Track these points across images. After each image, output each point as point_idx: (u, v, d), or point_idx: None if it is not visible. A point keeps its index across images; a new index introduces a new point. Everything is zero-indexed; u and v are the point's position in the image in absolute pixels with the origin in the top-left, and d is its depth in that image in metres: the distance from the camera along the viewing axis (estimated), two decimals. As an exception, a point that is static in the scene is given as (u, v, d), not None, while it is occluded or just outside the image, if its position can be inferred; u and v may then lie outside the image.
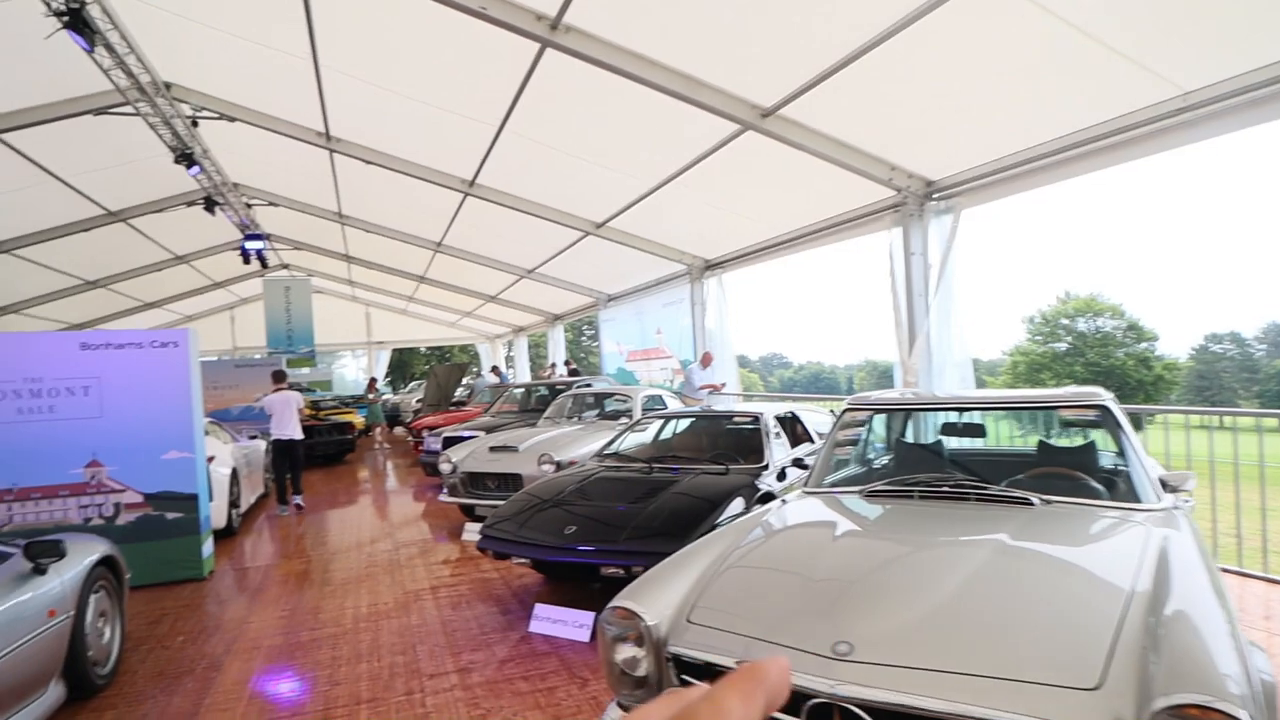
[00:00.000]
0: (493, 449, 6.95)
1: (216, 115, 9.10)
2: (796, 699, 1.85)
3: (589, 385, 11.11)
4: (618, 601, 2.35)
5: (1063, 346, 46.78)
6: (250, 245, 12.98)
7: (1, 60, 7.26)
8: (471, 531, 6.42)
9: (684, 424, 6.41)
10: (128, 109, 8.39)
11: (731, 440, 5.83)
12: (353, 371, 39.00)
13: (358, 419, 16.33)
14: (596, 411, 9.03)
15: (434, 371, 17.26)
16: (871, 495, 3.11)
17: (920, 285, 7.38)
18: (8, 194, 10.10)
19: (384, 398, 21.47)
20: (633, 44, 5.98)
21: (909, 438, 4.37)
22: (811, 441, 5.94)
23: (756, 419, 5.56)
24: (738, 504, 4.39)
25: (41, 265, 13.22)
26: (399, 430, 19.12)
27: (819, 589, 2.22)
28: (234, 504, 7.29)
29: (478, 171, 9.63)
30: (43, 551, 3.20)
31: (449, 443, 8.93)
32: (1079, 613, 1.98)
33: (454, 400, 15.77)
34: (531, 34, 5.91)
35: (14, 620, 2.90)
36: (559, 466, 6.30)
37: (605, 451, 5.81)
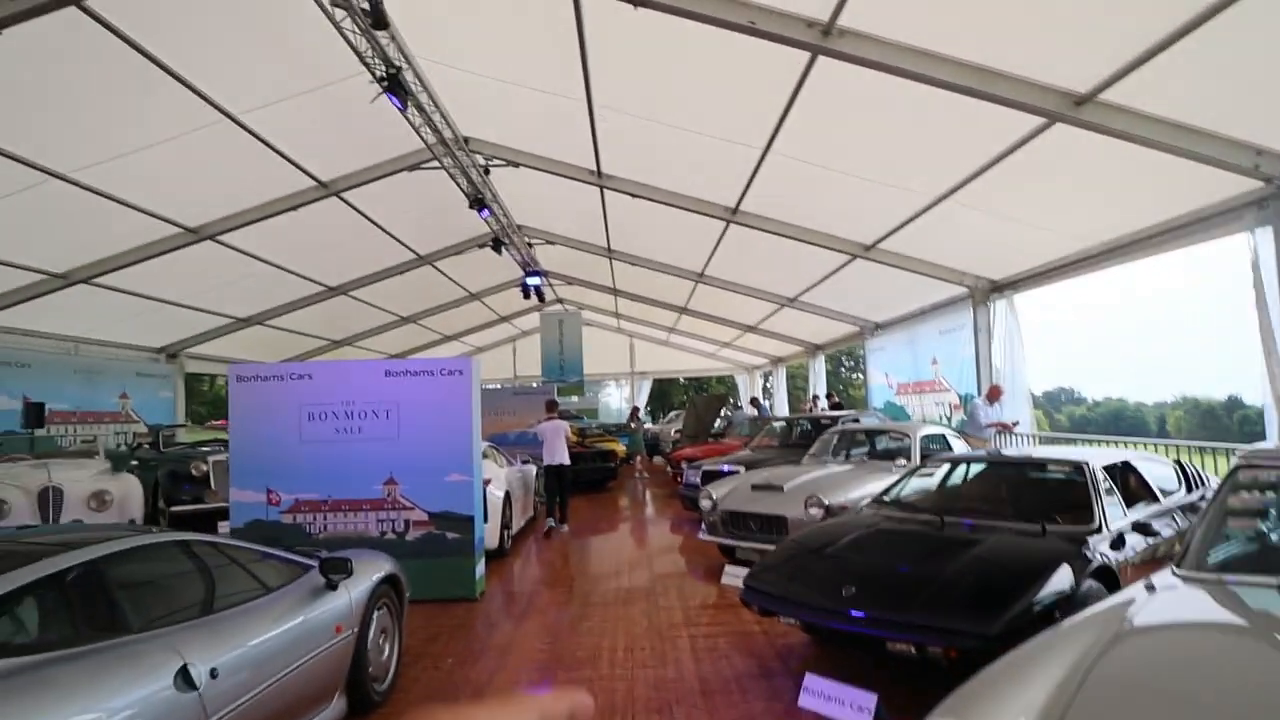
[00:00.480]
0: (755, 487, 6.49)
1: (504, 163, 9.94)
2: None
3: (856, 420, 10.23)
4: (937, 717, 1.73)
5: None
6: (531, 281, 14.06)
7: (338, 129, 8.56)
8: (731, 575, 5.98)
9: (979, 469, 5.40)
10: (433, 163, 9.46)
11: (1046, 493, 4.74)
12: (616, 400, 41.19)
13: (620, 447, 16.89)
14: (866, 449, 8.18)
15: (693, 402, 17.37)
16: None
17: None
18: (347, 244, 11.98)
19: (645, 427, 22.15)
20: (914, 39, 5.28)
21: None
22: (1152, 500, 4.64)
23: (1081, 468, 4.45)
24: (1063, 576, 3.43)
25: (369, 304, 15.57)
26: (658, 459, 19.52)
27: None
28: (506, 526, 7.66)
29: (741, 197, 9.38)
30: (334, 568, 3.37)
31: (708, 477, 8.64)
32: None
33: (712, 432, 15.64)
34: (802, 43, 5.48)
35: (307, 634, 3.03)
36: (829, 512, 5.64)
37: (884, 498, 5.05)
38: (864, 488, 6.08)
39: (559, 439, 9.37)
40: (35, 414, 9.87)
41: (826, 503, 5.72)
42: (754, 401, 19.44)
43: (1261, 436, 6.22)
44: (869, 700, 3.37)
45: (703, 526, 6.82)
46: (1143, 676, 1.89)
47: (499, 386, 14.85)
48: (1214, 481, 5.54)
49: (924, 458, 6.85)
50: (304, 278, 12.82)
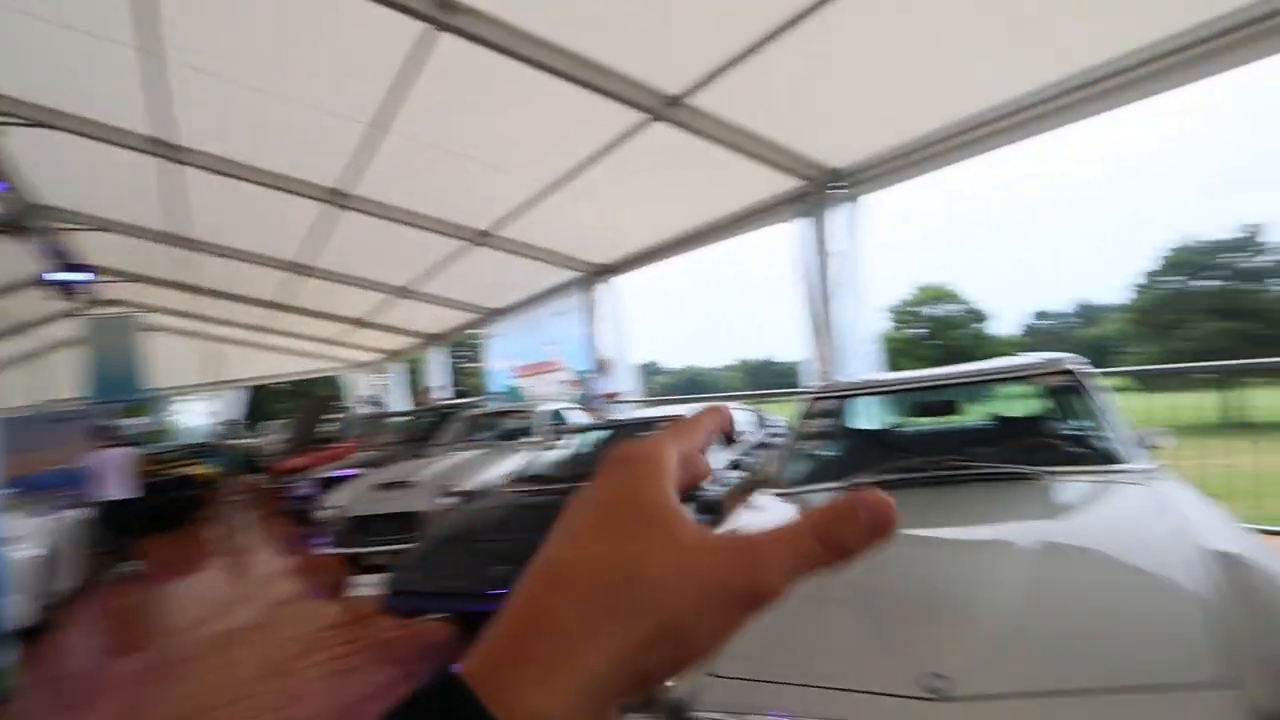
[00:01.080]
0: (381, 485, 6.04)
1: (24, 121, 7.56)
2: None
3: (479, 407, 10.29)
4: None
5: (919, 331, 50.18)
6: (60, 276, 11.05)
7: None
8: (361, 585, 5.54)
9: (601, 436, 5.81)
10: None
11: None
12: (196, 417, 35.38)
13: (206, 470, 14.46)
14: (494, 433, 8.24)
15: (303, 408, 15.68)
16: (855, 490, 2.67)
17: (825, 274, 7.22)
18: None
19: (241, 441, 19.38)
20: (531, 26, 5.36)
21: (861, 425, 4.03)
22: (735, 441, 5.51)
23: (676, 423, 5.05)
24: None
25: None
26: (256, 476, 17.27)
27: (868, 613, 1.72)
28: (45, 594, 5.87)
29: (348, 178, 8.59)
30: None
31: (327, 484, 7.85)
32: (1166, 597, 1.66)
33: (323, 437, 14.34)
34: (419, 12, 5.16)
35: None
36: (464, 498, 5.52)
37: (520, 476, 5.11)
38: (495, 469, 6.08)
39: (118, 469, 8.18)
40: None
41: (461, 490, 5.59)
42: (372, 400, 18.36)
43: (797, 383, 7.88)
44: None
45: (327, 540, 6.14)
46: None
47: (10, 416, 11.24)
48: (777, 421, 6.86)
49: (554, 432, 7.17)
50: None
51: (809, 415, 3.36)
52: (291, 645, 4.70)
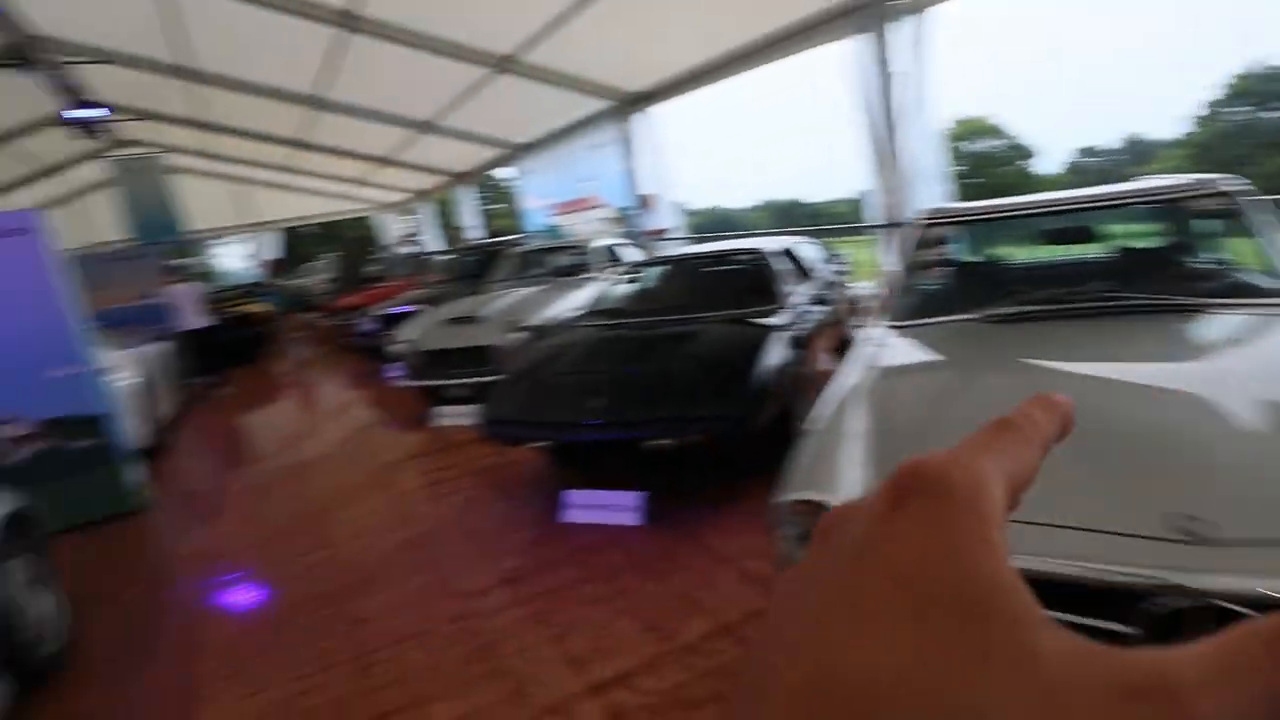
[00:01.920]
0: (450, 321, 6.10)
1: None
2: (1121, 597, 1.34)
3: (525, 244, 10.16)
4: (795, 495, 1.76)
5: (958, 168, 48.10)
6: (76, 114, 10.65)
7: None
8: (446, 415, 5.74)
9: (668, 269, 5.70)
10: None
11: (733, 282, 5.17)
12: (233, 260, 35.59)
13: (266, 308, 14.74)
14: (548, 270, 8.18)
15: (344, 248, 15.63)
16: (998, 321, 2.58)
17: (888, 97, 6.73)
18: None
19: (285, 281, 19.61)
20: None
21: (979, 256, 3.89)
22: (812, 276, 5.38)
23: (760, 254, 4.93)
24: (775, 351, 3.82)
25: None
26: (309, 315, 17.62)
27: (1089, 446, 1.57)
28: (154, 418, 6.22)
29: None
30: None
31: (389, 322, 7.96)
32: None
33: (367, 276, 14.40)
34: None
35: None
36: (537, 334, 5.56)
37: (594, 310, 5.09)
38: (560, 305, 6.08)
39: (193, 303, 8.93)
40: None
41: (528, 324, 5.61)
42: (409, 238, 18.18)
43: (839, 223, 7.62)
44: (632, 499, 3.51)
45: (399, 372, 6.31)
46: (953, 406, 2.06)
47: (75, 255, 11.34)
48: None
49: (604, 268, 7.08)
50: None
51: (921, 244, 3.22)
52: (393, 471, 4.96)
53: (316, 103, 12.01)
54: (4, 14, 7.54)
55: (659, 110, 10.42)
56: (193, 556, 4.12)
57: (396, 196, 22.32)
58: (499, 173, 18.54)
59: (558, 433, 3.66)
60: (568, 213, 13.52)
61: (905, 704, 0.18)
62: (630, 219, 10.19)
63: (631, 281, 5.49)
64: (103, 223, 19.24)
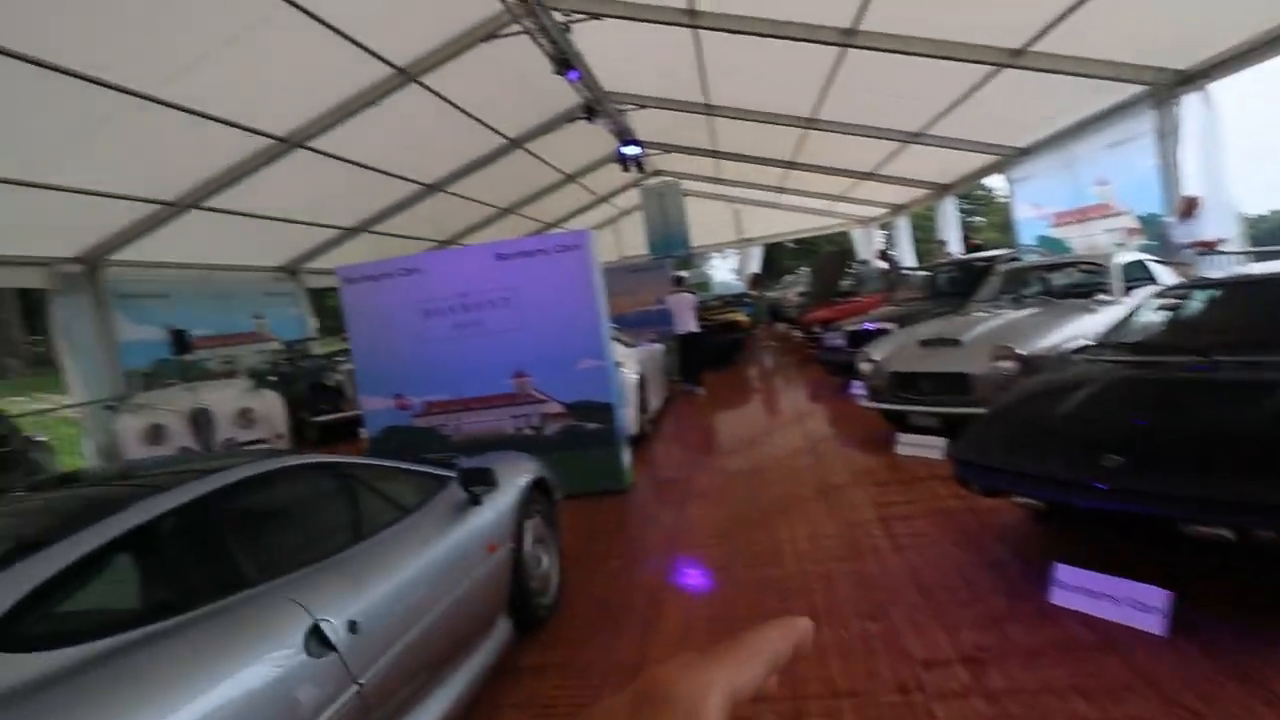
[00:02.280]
0: (925, 343, 5.61)
1: (585, 16, 8.81)
2: None
3: (1016, 259, 8.95)
4: None
5: None
6: (627, 151, 13.07)
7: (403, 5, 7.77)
8: (909, 444, 5.30)
9: (1229, 294, 4.27)
10: (512, 28, 8.55)
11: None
12: (721, 271, 39.99)
13: (743, 317, 16.14)
14: (1039, 289, 7.02)
15: (816, 261, 16.15)
16: None
17: None
18: (436, 136, 11.36)
19: (763, 293, 21.22)
20: None
21: None
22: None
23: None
24: None
25: (469, 199, 15.09)
26: (781, 326, 18.68)
27: None
28: (643, 410, 7.21)
29: (859, 13, 7.92)
30: (477, 479, 2.91)
31: (856, 339, 7.80)
32: None
33: (840, 290, 14.56)
34: None
35: (457, 560, 2.60)
36: (1025, 365, 4.73)
37: (1109, 342, 4.08)
38: (1061, 332, 5.08)
39: (689, 310, 10.13)
40: (180, 341, 10.20)
41: (1020, 353, 4.80)
42: (883, 254, 17.89)
43: None
44: (1155, 596, 2.64)
45: (861, 391, 6.07)
46: None
47: (606, 266, 14.33)
48: None
49: (1127, 289, 5.72)
50: (400, 178, 12.41)
51: None
52: (847, 495, 4.75)
53: (808, 122, 12.55)
54: (580, 79, 9.52)
55: (1216, 89, 8.10)
56: (662, 539, 4.53)
57: (874, 211, 22.21)
58: (987, 181, 16.94)
59: (1052, 491, 2.96)
60: (1071, 222, 11.57)
61: None
62: (1164, 228, 8.15)
63: (1171, 308, 4.26)
64: (632, 240, 23.53)
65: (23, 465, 6.70)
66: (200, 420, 7.11)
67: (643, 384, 7.23)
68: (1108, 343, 4.03)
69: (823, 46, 8.81)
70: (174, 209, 9.47)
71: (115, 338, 9.89)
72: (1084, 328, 5.10)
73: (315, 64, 8.04)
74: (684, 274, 11.93)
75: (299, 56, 7.75)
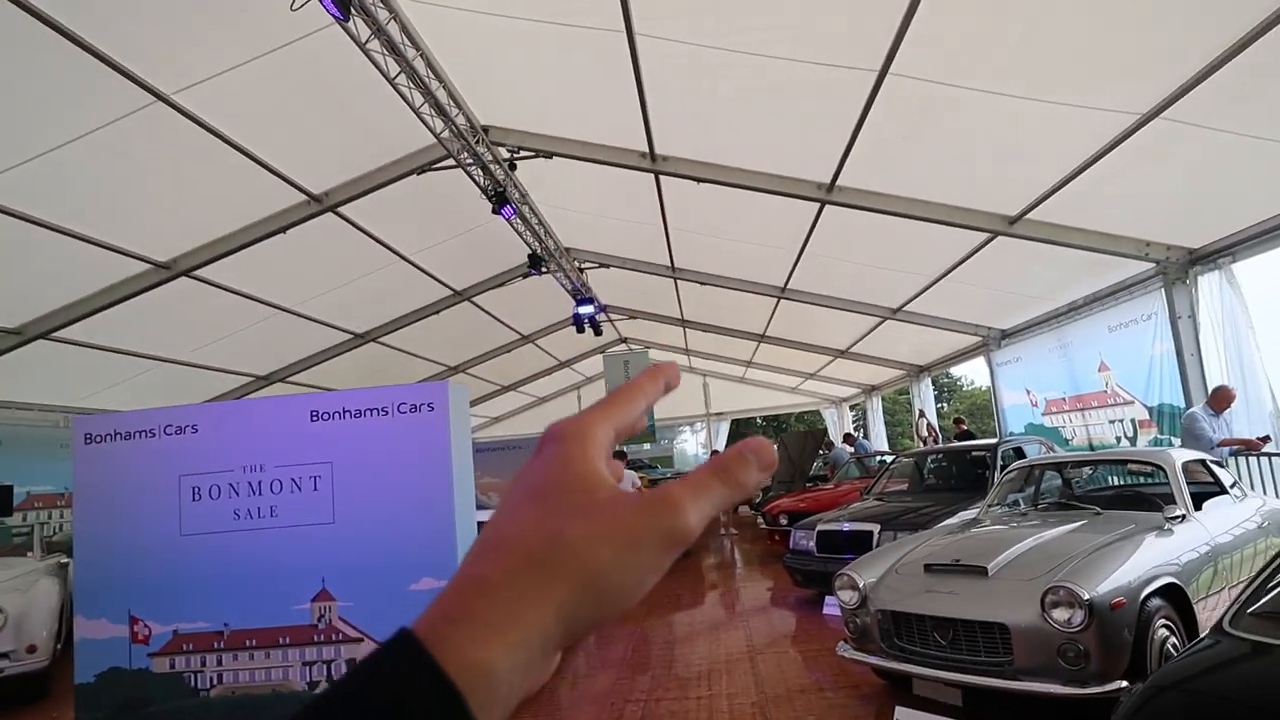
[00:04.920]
0: (932, 568, 3.96)
1: (534, 153, 7.91)
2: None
3: (1018, 450, 7.56)
4: None
5: None
6: (582, 310, 12.02)
7: (322, 124, 6.76)
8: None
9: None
10: (447, 162, 7.59)
11: None
12: (692, 446, 38.71)
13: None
14: (1061, 493, 5.53)
15: (782, 441, 14.71)
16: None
17: None
18: (370, 281, 10.15)
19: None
20: None
21: None
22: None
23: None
24: None
25: (408, 353, 13.74)
26: (744, 510, 16.95)
27: None
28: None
29: (839, 168, 7.07)
30: None
31: (830, 542, 6.17)
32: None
33: (810, 475, 13.03)
34: None
35: None
36: (1091, 613, 3.10)
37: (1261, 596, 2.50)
38: (1134, 562, 3.50)
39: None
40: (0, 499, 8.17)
41: (1087, 597, 3.17)
42: (848, 438, 16.60)
43: None
44: None
45: (837, 616, 4.34)
46: None
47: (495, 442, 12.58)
48: None
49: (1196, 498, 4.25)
50: (324, 324, 11.05)
51: None
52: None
53: (782, 292, 11.59)
54: (514, 215, 8.49)
55: (1239, 269, 7.20)
56: None
57: (846, 391, 21.32)
58: (954, 370, 16.16)
59: None
60: (1067, 410, 10.39)
61: (538, 545, 0.35)
62: (1191, 423, 6.87)
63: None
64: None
65: None
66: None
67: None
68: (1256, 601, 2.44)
69: (799, 206, 7.93)
70: (18, 337, 7.88)
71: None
72: (1161, 555, 3.55)
73: (217, 186, 6.89)
74: (625, 448, 10.34)
75: (200, 180, 6.64)
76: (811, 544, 6.57)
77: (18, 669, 3.94)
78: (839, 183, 7.37)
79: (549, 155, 7.90)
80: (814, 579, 6.53)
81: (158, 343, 9.45)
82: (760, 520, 10.53)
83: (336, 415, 3.36)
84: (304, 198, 7.65)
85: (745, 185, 7.64)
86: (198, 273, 7.98)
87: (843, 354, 15.68)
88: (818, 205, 7.82)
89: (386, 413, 3.35)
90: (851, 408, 23.34)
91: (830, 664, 4.68)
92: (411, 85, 5.89)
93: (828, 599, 6.12)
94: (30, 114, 5.27)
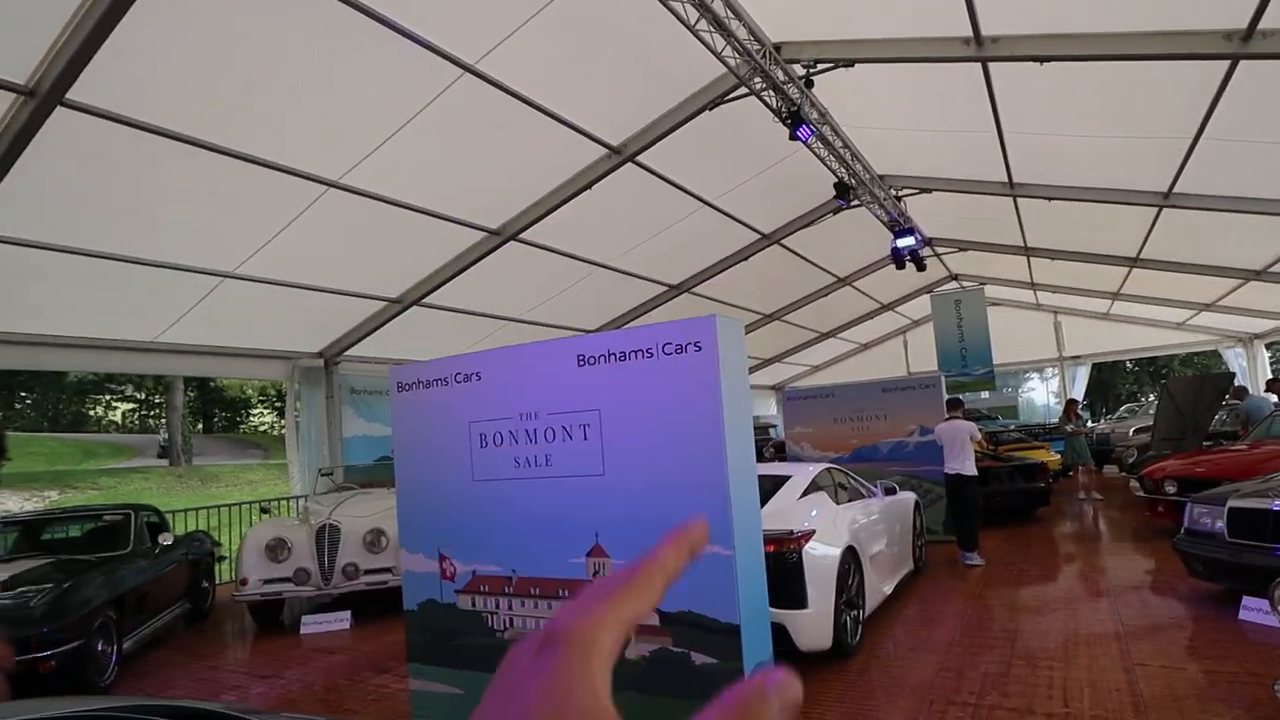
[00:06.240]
0: None
1: (832, 64, 7.03)
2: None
3: None
4: None
5: None
6: (901, 243, 10.77)
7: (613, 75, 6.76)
8: None
9: None
10: (739, 91, 7.14)
11: None
12: (1041, 395, 33.80)
13: (1052, 457, 12.24)
14: None
15: (1167, 389, 11.78)
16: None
17: None
18: (678, 231, 10.21)
19: (1088, 427, 16.49)
20: None
21: None
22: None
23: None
24: None
25: (721, 302, 13.69)
26: (1110, 470, 14.17)
27: None
28: (849, 606, 4.65)
29: (1262, 6, 5.03)
30: None
31: (1239, 521, 4.59)
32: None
33: (1210, 434, 10.25)
34: None
35: None
36: None
37: None
38: None
39: (964, 444, 7.46)
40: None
41: None
42: (1272, 384, 12.59)
43: None
44: None
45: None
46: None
47: (863, 382, 11.35)
48: None
49: None
50: (641, 277, 11.45)
51: None
52: None
53: (1171, 199, 8.98)
54: (813, 137, 7.73)
55: None
56: None
57: (1263, 325, 16.47)
58: None
59: None
60: None
61: None
62: None
63: None
64: (921, 355, 20.31)
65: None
66: (322, 540, 6.21)
67: (851, 563, 4.72)
68: None
69: (1197, 64, 5.93)
70: (399, 305, 9.38)
71: (342, 433, 9.95)
72: None
73: (527, 150, 7.37)
74: (958, 395, 9.07)
75: (512, 145, 7.17)
76: (1220, 524, 4.93)
77: (398, 582, 4.60)
78: (1260, 25, 5.26)
79: (849, 64, 6.97)
80: (1223, 571, 4.92)
81: (503, 304, 10.59)
82: (1137, 486, 8.48)
83: (602, 359, 3.13)
84: (604, 151, 7.79)
85: (1109, 55, 5.89)
86: (523, 235, 8.65)
87: (1258, 275, 11.94)
88: (1227, 63, 5.73)
89: (651, 354, 3.02)
90: (1268, 346, 18.04)
91: (1259, 698, 3.36)
92: (699, 8, 5.52)
93: (1246, 601, 4.57)
94: (366, 107, 6.00)
